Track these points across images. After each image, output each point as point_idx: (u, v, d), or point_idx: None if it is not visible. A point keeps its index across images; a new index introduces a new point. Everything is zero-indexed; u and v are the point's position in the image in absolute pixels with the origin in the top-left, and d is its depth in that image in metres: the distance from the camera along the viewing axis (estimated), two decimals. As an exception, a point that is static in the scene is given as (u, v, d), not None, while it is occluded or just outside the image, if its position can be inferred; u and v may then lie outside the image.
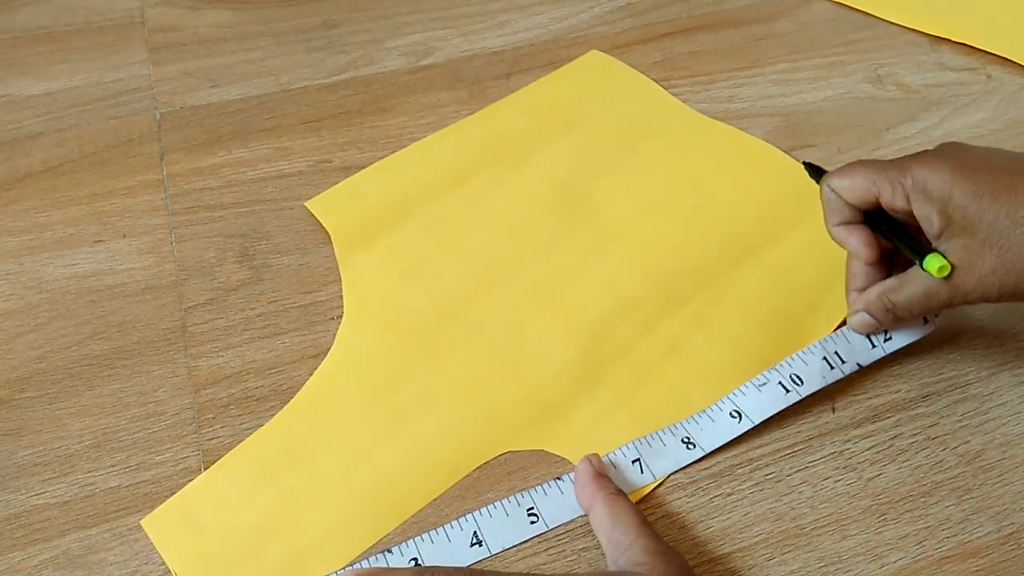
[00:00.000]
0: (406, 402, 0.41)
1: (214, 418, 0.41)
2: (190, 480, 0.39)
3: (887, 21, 0.63)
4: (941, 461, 0.40)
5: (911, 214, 0.38)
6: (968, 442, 0.41)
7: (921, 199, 0.37)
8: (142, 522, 0.37)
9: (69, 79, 0.58)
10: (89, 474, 0.39)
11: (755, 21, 0.63)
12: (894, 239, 0.39)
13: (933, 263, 0.36)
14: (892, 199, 0.38)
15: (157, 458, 0.40)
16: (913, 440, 0.41)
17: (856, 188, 0.39)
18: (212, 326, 0.44)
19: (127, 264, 0.47)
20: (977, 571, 0.37)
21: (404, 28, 0.62)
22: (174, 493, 0.38)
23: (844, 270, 0.42)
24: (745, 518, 0.38)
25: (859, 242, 0.40)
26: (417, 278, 0.46)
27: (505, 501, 0.38)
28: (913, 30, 0.62)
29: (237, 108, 0.56)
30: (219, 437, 0.40)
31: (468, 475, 0.39)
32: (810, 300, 0.45)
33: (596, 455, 0.39)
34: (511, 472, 0.39)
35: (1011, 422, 0.41)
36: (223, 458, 0.39)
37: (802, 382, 0.41)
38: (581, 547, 0.37)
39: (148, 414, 0.41)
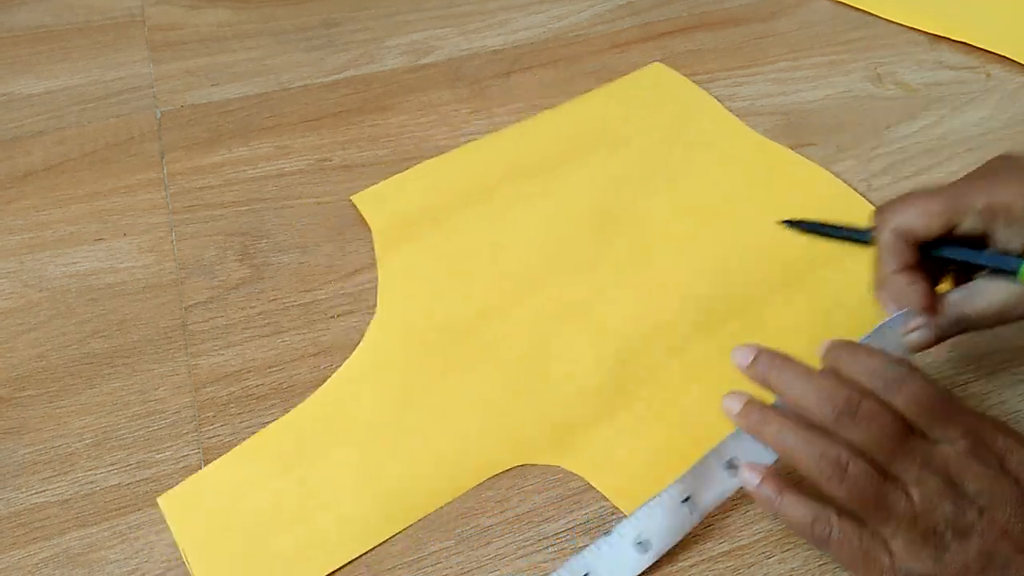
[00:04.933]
0: (427, 406, 0.41)
1: (214, 416, 0.41)
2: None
3: (887, 20, 0.63)
4: (940, 459, 0.40)
5: (981, 235, 0.36)
6: (967, 440, 0.41)
7: (1002, 219, 0.35)
8: (159, 498, 0.38)
9: (70, 78, 0.58)
10: (89, 472, 0.39)
11: (755, 20, 0.63)
12: (972, 261, 0.37)
13: None
14: (968, 223, 0.36)
15: (157, 456, 0.40)
16: (912, 438, 0.41)
17: (928, 216, 0.36)
18: (212, 324, 0.44)
19: (127, 262, 0.47)
20: (976, 569, 0.37)
21: (404, 27, 0.62)
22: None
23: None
24: (745, 516, 0.38)
25: (923, 292, 0.37)
26: (451, 284, 0.46)
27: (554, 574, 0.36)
28: (912, 29, 0.62)
29: (237, 107, 0.56)
30: (219, 435, 0.40)
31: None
32: (850, 331, 0.41)
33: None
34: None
35: (1010, 421, 0.41)
36: (242, 443, 0.39)
37: None
38: (581, 545, 0.37)
39: (148, 412, 0.41)
